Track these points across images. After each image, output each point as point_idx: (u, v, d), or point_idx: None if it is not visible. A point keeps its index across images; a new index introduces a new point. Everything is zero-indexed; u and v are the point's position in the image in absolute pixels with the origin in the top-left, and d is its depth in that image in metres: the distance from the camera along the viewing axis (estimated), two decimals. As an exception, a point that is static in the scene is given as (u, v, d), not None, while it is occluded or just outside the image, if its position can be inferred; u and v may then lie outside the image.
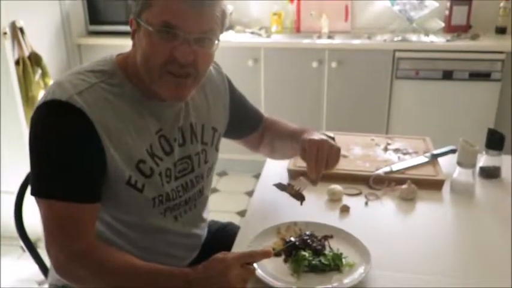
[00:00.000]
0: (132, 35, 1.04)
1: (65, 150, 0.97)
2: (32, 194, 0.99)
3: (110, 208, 1.07)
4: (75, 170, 0.97)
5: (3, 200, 2.54)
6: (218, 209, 1.34)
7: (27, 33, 2.55)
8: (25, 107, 2.50)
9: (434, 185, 1.36)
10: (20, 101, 2.44)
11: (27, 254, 1.36)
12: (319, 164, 1.14)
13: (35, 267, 1.38)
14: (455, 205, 1.31)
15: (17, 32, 2.49)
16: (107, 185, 1.02)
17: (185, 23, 0.97)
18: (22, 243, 1.35)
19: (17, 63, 2.47)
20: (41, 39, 2.81)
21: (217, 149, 1.26)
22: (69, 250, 0.97)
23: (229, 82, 1.31)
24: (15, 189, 1.37)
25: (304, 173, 1.27)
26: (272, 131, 1.38)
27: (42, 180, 0.99)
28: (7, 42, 2.31)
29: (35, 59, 2.60)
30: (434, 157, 1.48)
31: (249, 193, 2.85)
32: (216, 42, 1.03)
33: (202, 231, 1.29)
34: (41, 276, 1.38)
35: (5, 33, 2.28)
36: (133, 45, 1.04)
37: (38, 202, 0.99)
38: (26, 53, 2.54)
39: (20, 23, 2.50)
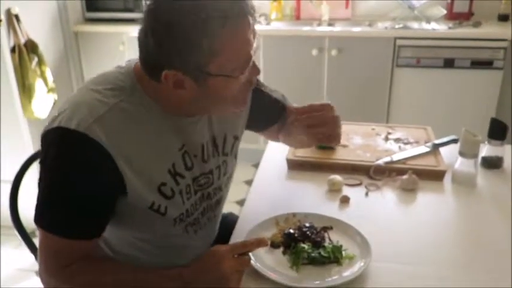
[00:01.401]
0: (172, 84, 0.89)
1: (76, 187, 0.90)
2: (35, 220, 0.95)
3: (130, 228, 1.04)
4: (82, 210, 0.92)
5: (2, 189, 2.52)
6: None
7: (23, 21, 2.51)
8: (21, 94, 2.47)
9: (435, 176, 1.34)
10: (17, 88, 2.41)
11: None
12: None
13: (33, 258, 1.36)
14: (456, 196, 1.29)
15: (12, 19, 2.45)
16: (126, 211, 0.97)
17: (251, 48, 0.90)
18: (18, 234, 1.33)
19: (12, 50, 2.44)
20: (37, 26, 2.77)
21: (235, 157, 1.21)
22: (61, 276, 0.95)
23: None
24: (11, 178, 1.36)
25: (303, 163, 1.25)
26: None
27: (46, 211, 0.94)
28: (2, 29, 2.28)
29: (31, 47, 2.56)
30: (436, 147, 1.46)
31: (249, 182, 2.84)
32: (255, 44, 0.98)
33: (216, 231, 1.25)
34: (39, 267, 1.37)
35: (0, 21, 2.24)
36: (184, 92, 0.91)
37: (38, 229, 0.95)
38: (22, 41, 2.50)
39: (16, 10, 2.46)
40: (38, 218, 0.94)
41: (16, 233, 1.34)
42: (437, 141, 1.48)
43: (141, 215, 0.98)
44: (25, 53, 2.49)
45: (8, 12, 2.43)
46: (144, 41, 0.89)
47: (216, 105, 0.97)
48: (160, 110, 0.96)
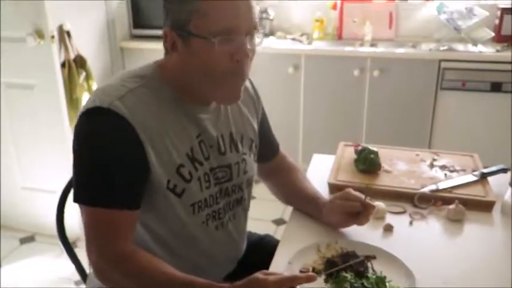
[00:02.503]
0: (170, 47, 1.01)
1: (107, 157, 0.97)
2: (75, 200, 1.01)
3: (153, 215, 1.07)
4: (117, 178, 0.98)
5: (46, 199, 2.60)
6: (253, 216, 1.33)
7: (74, 37, 2.61)
8: (69, 108, 2.55)
9: (483, 206, 1.29)
10: (65, 102, 2.49)
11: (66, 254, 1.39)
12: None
13: (73, 267, 1.40)
14: (506, 229, 1.24)
15: (64, 35, 2.55)
16: (148, 191, 1.03)
17: (241, 24, 0.96)
18: (61, 244, 1.37)
19: (63, 65, 2.53)
20: (87, 42, 2.88)
21: (255, 160, 1.25)
22: (108, 255, 0.98)
23: (259, 97, 1.29)
24: (58, 188, 1.40)
25: (344, 188, 1.24)
26: (286, 179, 1.36)
27: (85, 187, 1.00)
28: (54, 46, 2.36)
29: (80, 62, 2.66)
30: (484, 176, 1.41)
31: (286, 204, 2.82)
32: (259, 36, 1.02)
33: (242, 245, 1.28)
34: (78, 277, 1.40)
35: (53, 37, 2.33)
36: (176, 57, 1.02)
37: (80, 208, 1.01)
38: (72, 56, 2.60)
39: (67, 27, 2.57)
40: (80, 196, 0.99)
41: (59, 242, 1.39)
42: (485, 170, 1.43)
43: (161, 195, 1.03)
44: (74, 68, 2.59)
45: (60, 29, 2.53)
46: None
47: (204, 78, 1.00)
48: (179, 99, 1.04)
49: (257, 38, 1.02)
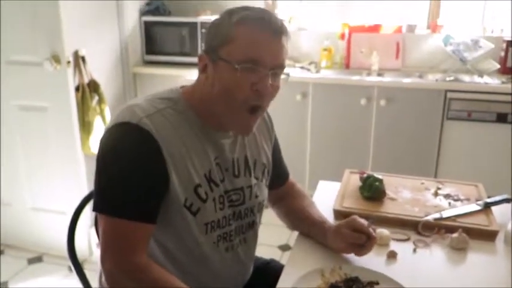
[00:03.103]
0: (201, 69, 1.09)
1: (131, 170, 1.01)
2: (94, 209, 1.04)
3: (167, 232, 1.11)
4: (138, 191, 1.02)
5: (55, 220, 2.64)
6: (259, 241, 1.34)
7: (88, 62, 2.69)
8: (81, 131, 2.61)
9: (487, 236, 1.31)
10: (77, 125, 2.55)
11: (73, 274, 1.40)
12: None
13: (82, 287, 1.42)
14: (509, 258, 1.25)
15: (79, 60, 2.63)
16: (165, 207, 1.06)
17: (266, 58, 1.02)
18: (71, 264, 1.39)
19: (76, 89, 2.60)
20: (100, 67, 2.95)
21: (266, 186, 1.29)
22: (123, 264, 1.01)
23: (273, 125, 1.34)
24: (67, 210, 1.43)
25: (350, 215, 1.27)
26: (293, 204, 1.39)
27: (105, 197, 1.04)
28: (70, 70, 2.44)
29: (94, 86, 2.73)
30: (488, 205, 1.43)
31: (292, 229, 2.83)
32: (284, 76, 1.07)
33: (249, 268, 1.30)
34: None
35: (69, 62, 2.41)
36: (204, 79, 1.09)
37: (98, 217, 1.05)
38: (86, 80, 2.67)
39: (83, 52, 2.64)
40: (100, 205, 1.03)
41: (67, 263, 1.41)
42: (489, 200, 1.45)
43: (177, 212, 1.07)
44: (87, 92, 2.65)
45: (76, 54, 2.61)
46: None
47: (223, 103, 1.05)
48: (201, 122, 1.10)
49: (282, 77, 1.07)
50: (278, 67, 1.05)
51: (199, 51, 1.11)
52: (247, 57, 1.01)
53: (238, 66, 1.01)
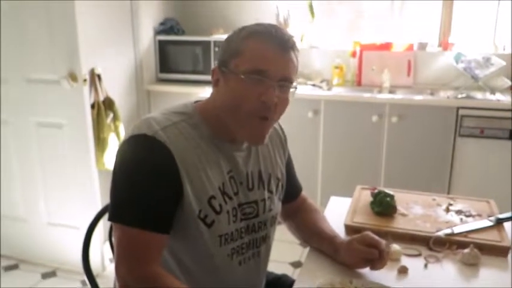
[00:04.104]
0: (214, 83, 1.12)
1: (146, 180, 1.04)
2: (110, 219, 1.07)
3: (181, 243, 1.13)
4: (153, 201, 1.04)
5: (69, 235, 2.67)
6: (271, 257, 1.35)
7: (104, 79, 2.75)
8: (96, 148, 2.66)
9: (499, 251, 1.30)
10: (93, 142, 2.60)
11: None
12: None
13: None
14: (521, 274, 1.24)
15: (95, 78, 2.69)
16: (180, 218, 1.08)
17: (273, 70, 1.05)
18: (86, 278, 1.41)
19: (92, 106, 2.65)
20: (115, 84, 3.02)
21: (280, 199, 1.30)
22: (137, 273, 1.03)
23: (286, 140, 1.36)
24: (81, 225, 1.45)
25: (361, 230, 1.27)
26: (305, 218, 1.40)
27: (121, 207, 1.06)
28: (86, 88, 2.49)
29: (109, 103, 2.78)
30: (500, 221, 1.42)
31: (304, 243, 2.82)
32: (293, 89, 1.10)
33: (261, 282, 1.31)
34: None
35: (85, 80, 2.47)
36: (216, 92, 1.13)
37: (113, 226, 1.07)
38: (101, 98, 2.73)
39: (98, 70, 2.71)
40: (115, 215, 1.05)
41: (80, 278, 1.42)
42: (501, 216, 1.44)
43: (191, 224, 1.08)
44: (103, 109, 2.71)
45: (92, 72, 2.67)
46: None
47: (233, 115, 1.08)
48: (215, 136, 1.13)
49: (290, 91, 1.10)
50: (285, 80, 1.07)
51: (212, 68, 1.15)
52: (254, 68, 1.04)
53: (244, 76, 1.04)
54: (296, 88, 1.12)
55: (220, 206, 1.12)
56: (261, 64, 1.05)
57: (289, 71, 1.08)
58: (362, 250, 1.18)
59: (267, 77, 1.05)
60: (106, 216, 1.24)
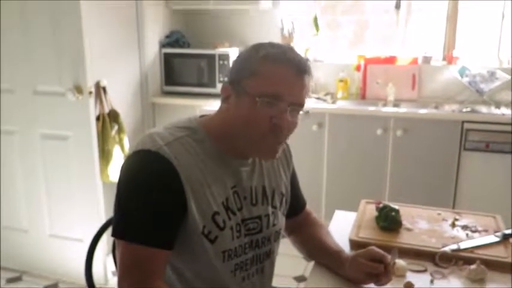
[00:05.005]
0: (224, 99, 1.12)
1: (150, 196, 1.04)
2: (113, 235, 1.07)
3: (184, 259, 1.12)
4: (157, 217, 1.04)
5: (72, 248, 2.66)
6: (275, 272, 1.34)
7: (109, 92, 2.76)
8: (100, 160, 2.66)
9: (505, 268, 1.29)
10: (97, 154, 2.60)
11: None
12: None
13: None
14: (529, 291, 1.23)
15: (100, 90, 2.70)
16: (183, 234, 1.08)
17: (287, 94, 1.05)
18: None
19: (97, 118, 2.66)
20: (120, 97, 3.03)
21: (284, 215, 1.30)
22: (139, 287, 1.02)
23: (291, 155, 1.36)
24: (85, 237, 1.45)
25: (366, 245, 1.26)
26: (309, 233, 1.39)
27: (124, 223, 1.06)
28: (91, 101, 2.51)
29: (114, 116, 2.79)
30: (506, 237, 1.41)
31: (308, 258, 2.80)
32: (302, 112, 1.11)
33: None
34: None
35: (90, 92, 2.48)
36: (225, 109, 1.12)
37: (116, 242, 1.07)
38: (106, 110, 2.74)
39: (104, 83, 2.72)
40: (119, 231, 1.05)
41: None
42: (507, 231, 1.43)
43: (195, 240, 1.08)
44: (108, 121, 2.71)
45: (97, 85, 2.69)
46: None
47: (244, 133, 1.08)
48: (218, 151, 1.12)
49: (301, 115, 1.10)
50: (297, 104, 1.08)
51: (218, 82, 1.15)
52: (268, 91, 1.04)
53: (258, 100, 1.04)
54: (307, 112, 1.12)
55: (224, 222, 1.12)
56: (276, 88, 1.05)
57: (302, 96, 1.09)
58: (367, 265, 1.17)
59: (280, 101, 1.05)
60: (110, 228, 1.25)
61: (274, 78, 1.05)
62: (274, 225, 1.24)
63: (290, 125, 1.08)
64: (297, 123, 1.11)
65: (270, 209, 1.23)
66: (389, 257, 1.17)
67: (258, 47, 1.09)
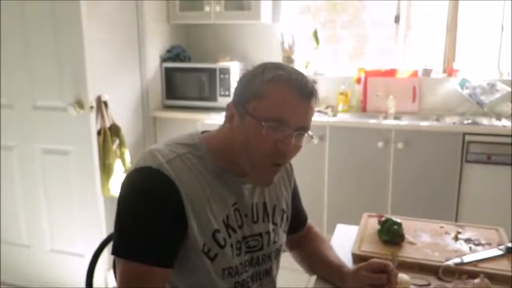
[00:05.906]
0: (228, 119, 1.10)
1: (151, 214, 1.02)
2: (113, 253, 1.05)
3: (184, 276, 1.11)
4: (157, 235, 1.03)
5: (73, 263, 2.65)
6: (277, 286, 1.33)
7: (110, 106, 2.77)
8: (101, 174, 2.66)
9: (509, 282, 1.27)
10: (98, 168, 2.60)
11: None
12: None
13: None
14: (534, 305, 1.21)
15: (101, 105, 2.71)
16: (183, 252, 1.07)
17: (293, 119, 1.03)
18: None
19: (98, 133, 2.66)
20: (122, 111, 3.04)
21: (285, 231, 1.29)
22: None
23: (292, 169, 1.35)
24: (85, 252, 1.44)
25: (368, 259, 1.25)
26: (311, 248, 1.39)
27: (125, 241, 1.05)
28: (92, 115, 2.51)
29: (115, 130, 2.80)
30: (510, 250, 1.40)
31: (310, 273, 2.78)
32: (307, 136, 1.09)
33: None
34: None
35: (92, 107, 2.48)
36: (229, 128, 1.10)
37: (116, 260, 1.06)
38: (107, 124, 2.74)
39: (105, 97, 2.73)
40: (119, 249, 1.04)
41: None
42: (510, 245, 1.42)
43: (194, 258, 1.07)
44: (109, 135, 2.72)
45: (99, 99, 2.69)
46: None
47: (246, 154, 1.07)
48: (219, 168, 1.11)
49: (305, 138, 1.08)
50: (303, 129, 1.06)
51: (219, 96, 1.14)
52: (274, 116, 1.02)
53: (264, 124, 1.02)
54: (312, 137, 1.10)
55: (225, 239, 1.11)
56: (281, 113, 1.03)
57: (308, 120, 1.07)
58: (370, 276, 1.15)
59: (286, 126, 1.03)
60: (111, 244, 1.24)
61: (280, 102, 1.03)
62: (275, 242, 1.23)
63: (294, 148, 1.07)
64: (301, 146, 1.09)
65: (271, 226, 1.22)
66: (391, 264, 1.16)
67: (264, 67, 1.07)
